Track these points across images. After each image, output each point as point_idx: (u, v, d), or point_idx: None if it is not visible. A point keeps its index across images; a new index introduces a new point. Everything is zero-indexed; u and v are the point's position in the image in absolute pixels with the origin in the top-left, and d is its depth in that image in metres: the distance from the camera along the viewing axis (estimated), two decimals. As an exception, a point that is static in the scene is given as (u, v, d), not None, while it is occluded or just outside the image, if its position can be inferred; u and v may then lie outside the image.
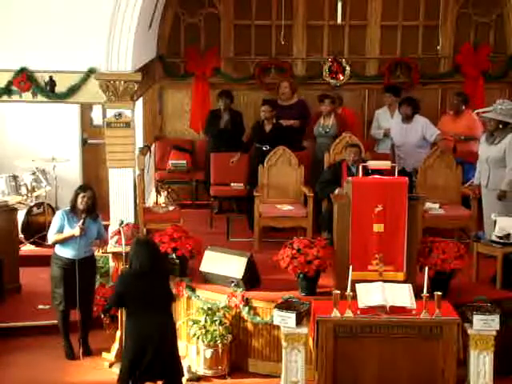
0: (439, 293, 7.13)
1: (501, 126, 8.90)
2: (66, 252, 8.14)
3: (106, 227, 9.40)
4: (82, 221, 8.06)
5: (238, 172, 10.48)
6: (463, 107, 10.78)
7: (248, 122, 11.18)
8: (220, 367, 8.00)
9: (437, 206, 9.36)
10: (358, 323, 7.15)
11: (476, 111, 10.01)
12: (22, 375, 8.00)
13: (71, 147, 11.89)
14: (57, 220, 8.20)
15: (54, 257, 8.23)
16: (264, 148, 10.12)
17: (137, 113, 10.09)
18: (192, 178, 11.49)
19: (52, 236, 8.19)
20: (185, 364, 7.67)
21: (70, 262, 8.11)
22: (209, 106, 11.77)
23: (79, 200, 8.10)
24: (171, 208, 9.76)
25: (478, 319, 7.17)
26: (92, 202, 8.15)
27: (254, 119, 11.15)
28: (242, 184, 10.39)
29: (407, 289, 7.26)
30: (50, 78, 9.28)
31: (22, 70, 9.27)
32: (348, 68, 11.89)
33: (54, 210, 10.68)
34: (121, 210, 9.44)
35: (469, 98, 10.94)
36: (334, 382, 7.20)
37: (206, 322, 7.99)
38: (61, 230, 8.14)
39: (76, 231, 8.04)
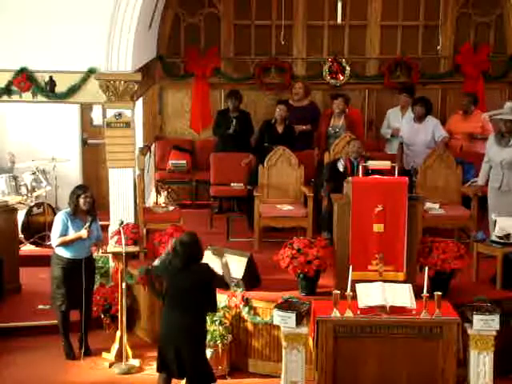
0: (439, 293, 7.13)
1: None
2: (68, 253, 8.10)
3: (106, 227, 9.41)
4: (88, 223, 8.05)
5: (238, 172, 10.47)
6: (473, 107, 10.83)
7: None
8: (220, 367, 7.98)
9: (437, 206, 9.36)
10: (358, 323, 7.14)
11: (484, 115, 9.97)
12: (22, 375, 8.00)
13: (71, 147, 11.89)
14: (59, 222, 8.10)
15: (55, 257, 8.19)
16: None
17: (137, 113, 10.09)
18: (192, 178, 11.48)
19: (57, 239, 8.09)
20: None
21: (71, 262, 8.09)
22: (209, 105, 11.78)
23: (81, 201, 8.05)
24: (171, 208, 9.75)
25: (477, 319, 7.16)
26: (93, 202, 8.15)
27: (255, 119, 11.16)
28: (242, 184, 10.38)
29: (407, 289, 7.26)
30: (50, 78, 9.28)
31: (22, 70, 9.28)
32: (348, 68, 11.89)
33: (54, 210, 10.68)
34: (121, 209, 9.44)
35: (478, 99, 10.99)
36: (334, 382, 7.20)
37: (206, 322, 7.99)
38: (65, 233, 8.08)
39: (83, 233, 8.02)
